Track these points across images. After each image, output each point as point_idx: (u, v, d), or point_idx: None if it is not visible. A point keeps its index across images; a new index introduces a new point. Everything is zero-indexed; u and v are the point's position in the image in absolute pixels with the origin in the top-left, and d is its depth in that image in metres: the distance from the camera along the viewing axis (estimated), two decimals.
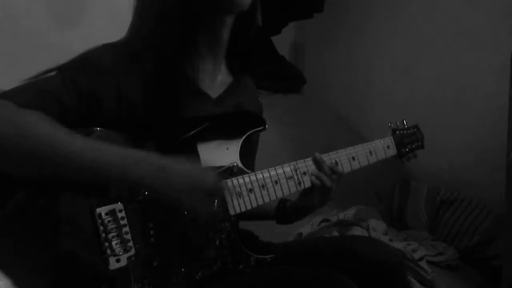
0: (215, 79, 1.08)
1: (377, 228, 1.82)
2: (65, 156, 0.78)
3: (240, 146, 1.04)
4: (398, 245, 1.70)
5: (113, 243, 0.85)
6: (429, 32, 2.42)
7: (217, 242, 0.99)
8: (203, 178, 0.88)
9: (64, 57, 0.93)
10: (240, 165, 1.03)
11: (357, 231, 1.76)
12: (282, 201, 1.21)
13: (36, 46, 1.56)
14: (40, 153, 0.78)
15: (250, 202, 1.03)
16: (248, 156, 1.12)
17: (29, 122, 0.79)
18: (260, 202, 1.04)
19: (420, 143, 1.39)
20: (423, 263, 1.68)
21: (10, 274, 0.77)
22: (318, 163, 1.13)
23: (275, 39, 2.63)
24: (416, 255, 1.68)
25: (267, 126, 1.09)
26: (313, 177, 1.11)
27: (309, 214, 1.19)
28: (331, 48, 2.93)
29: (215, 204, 0.93)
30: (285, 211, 1.20)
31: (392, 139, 1.32)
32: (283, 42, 2.80)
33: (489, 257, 1.96)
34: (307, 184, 1.12)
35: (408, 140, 1.36)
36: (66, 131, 0.80)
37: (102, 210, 0.86)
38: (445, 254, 1.91)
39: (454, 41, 2.31)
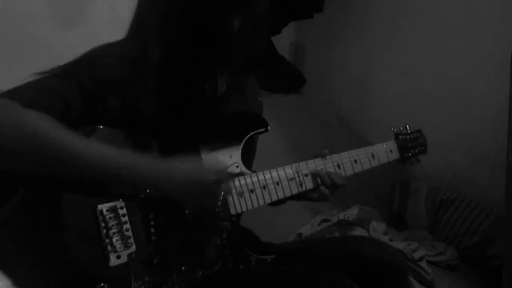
0: (218, 79, 1.08)
1: (377, 228, 1.83)
2: (65, 157, 0.78)
3: (242, 147, 1.04)
4: (398, 245, 1.70)
5: (114, 239, 0.86)
6: (429, 32, 2.42)
7: (218, 242, 0.99)
8: (206, 173, 0.88)
9: (64, 57, 0.92)
10: (242, 166, 1.04)
11: (357, 231, 1.76)
12: None
13: (36, 46, 1.56)
14: (41, 152, 0.78)
15: (252, 203, 1.04)
16: (247, 156, 1.12)
17: (31, 122, 0.79)
18: (262, 202, 1.05)
19: (423, 148, 1.39)
20: (423, 263, 1.68)
21: (10, 273, 0.77)
22: (319, 177, 1.14)
23: (275, 39, 2.62)
24: (416, 255, 1.68)
25: (269, 128, 1.09)
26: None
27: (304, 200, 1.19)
28: (331, 48, 2.92)
29: (220, 198, 0.92)
30: None
31: (394, 143, 1.32)
32: (283, 42, 2.80)
33: (489, 257, 1.95)
34: (309, 185, 1.13)
35: (411, 145, 1.36)
36: (67, 131, 0.80)
37: (104, 207, 0.86)
38: (445, 254, 1.91)
39: (454, 41, 2.31)
